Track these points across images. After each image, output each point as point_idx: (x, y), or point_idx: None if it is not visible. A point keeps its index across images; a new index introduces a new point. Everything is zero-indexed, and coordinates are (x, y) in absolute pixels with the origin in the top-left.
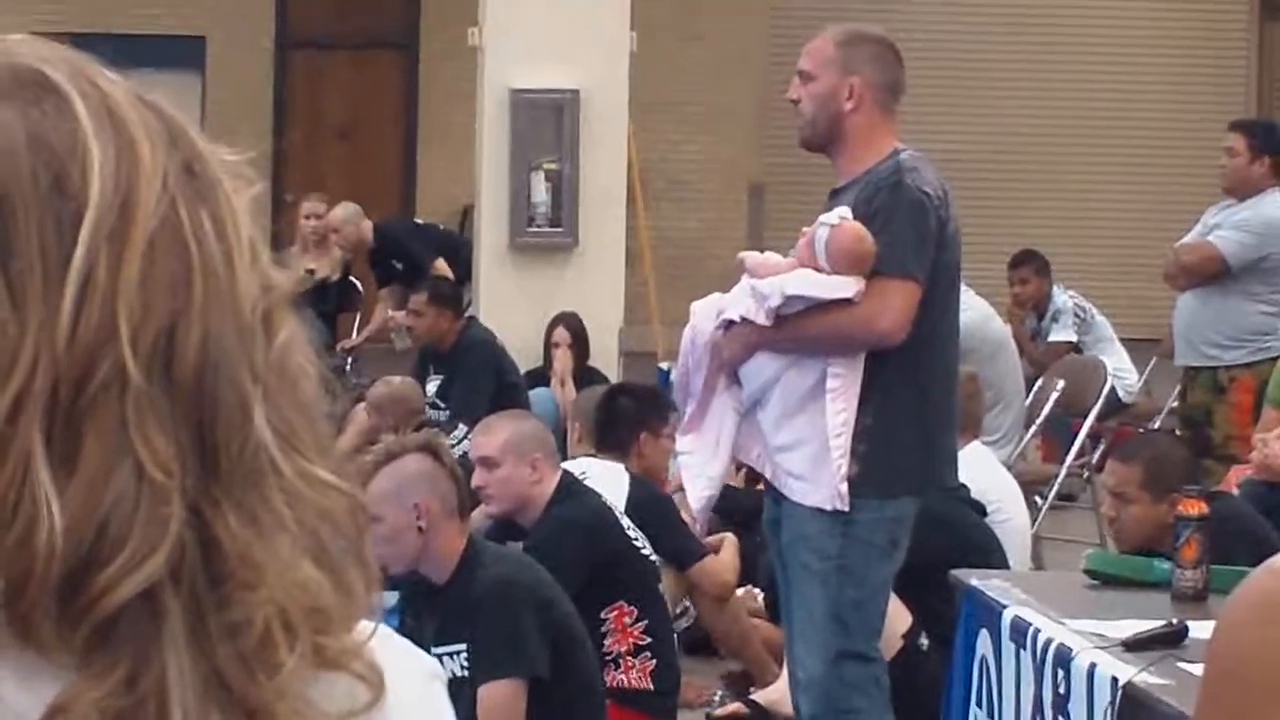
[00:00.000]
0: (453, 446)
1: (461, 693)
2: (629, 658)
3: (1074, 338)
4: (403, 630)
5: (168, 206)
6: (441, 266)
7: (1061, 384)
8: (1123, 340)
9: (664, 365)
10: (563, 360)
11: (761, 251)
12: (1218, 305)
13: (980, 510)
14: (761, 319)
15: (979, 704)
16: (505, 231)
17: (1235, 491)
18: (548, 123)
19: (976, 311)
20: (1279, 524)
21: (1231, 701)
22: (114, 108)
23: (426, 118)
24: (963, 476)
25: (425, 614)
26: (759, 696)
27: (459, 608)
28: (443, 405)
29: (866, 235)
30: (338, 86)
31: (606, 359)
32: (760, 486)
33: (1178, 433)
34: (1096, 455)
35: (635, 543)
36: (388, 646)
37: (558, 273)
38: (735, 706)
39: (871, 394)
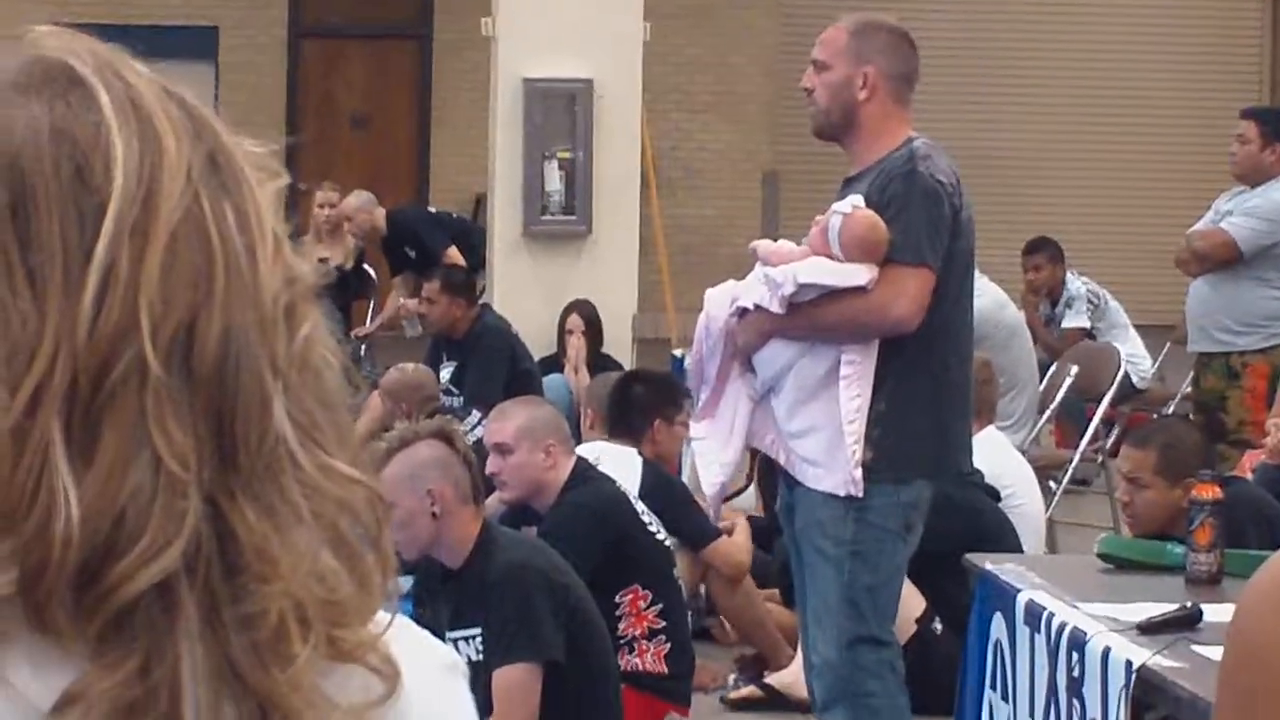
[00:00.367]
0: (466, 433)
1: (476, 677)
2: (643, 641)
3: (1088, 324)
4: (416, 615)
5: (191, 199)
6: (454, 254)
7: (1075, 369)
8: (1136, 326)
9: (678, 352)
10: (577, 347)
11: (775, 239)
12: (1230, 291)
13: (994, 495)
14: (775, 306)
15: (993, 688)
16: (519, 220)
17: (1249, 476)
18: (561, 112)
19: (990, 298)
20: None
21: (1251, 686)
22: (139, 101)
23: (440, 107)
24: (977, 462)
25: (440, 598)
26: (773, 680)
27: (474, 592)
28: (456, 392)
29: (879, 223)
30: (351, 76)
31: (620, 346)
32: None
33: (1191, 418)
34: (1110, 440)
35: (649, 527)
36: (405, 638)
37: (571, 261)
38: (749, 690)
39: (885, 380)
